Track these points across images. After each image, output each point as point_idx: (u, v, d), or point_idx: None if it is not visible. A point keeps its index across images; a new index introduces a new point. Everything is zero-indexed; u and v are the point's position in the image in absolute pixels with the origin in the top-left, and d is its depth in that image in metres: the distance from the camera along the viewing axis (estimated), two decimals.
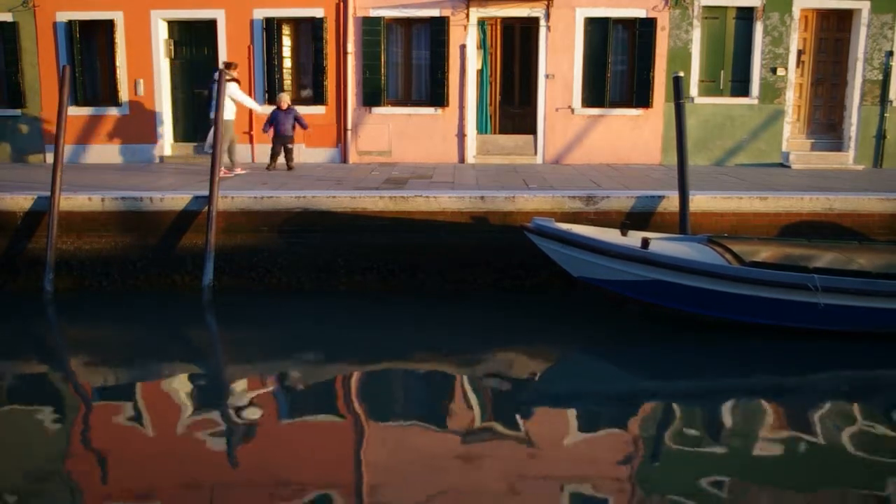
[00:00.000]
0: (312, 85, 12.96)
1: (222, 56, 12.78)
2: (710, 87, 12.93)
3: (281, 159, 11.77)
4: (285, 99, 11.67)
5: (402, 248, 8.72)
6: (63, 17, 12.77)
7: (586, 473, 4.86)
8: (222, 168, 10.95)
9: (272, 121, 11.54)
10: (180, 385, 6.61)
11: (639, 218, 8.70)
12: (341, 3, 12.66)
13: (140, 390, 6.38)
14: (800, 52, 12.96)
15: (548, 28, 12.72)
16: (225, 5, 12.68)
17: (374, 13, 12.69)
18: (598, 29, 12.75)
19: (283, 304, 8.52)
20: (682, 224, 8.44)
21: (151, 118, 13.07)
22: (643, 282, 7.34)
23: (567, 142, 13.05)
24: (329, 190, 9.19)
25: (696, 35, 12.72)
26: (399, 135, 13.02)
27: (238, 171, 11.19)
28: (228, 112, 10.85)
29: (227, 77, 10.67)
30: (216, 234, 8.62)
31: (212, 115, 10.75)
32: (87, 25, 12.89)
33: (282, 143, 11.61)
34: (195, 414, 5.90)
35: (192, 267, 8.74)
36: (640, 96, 12.85)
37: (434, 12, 12.69)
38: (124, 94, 12.99)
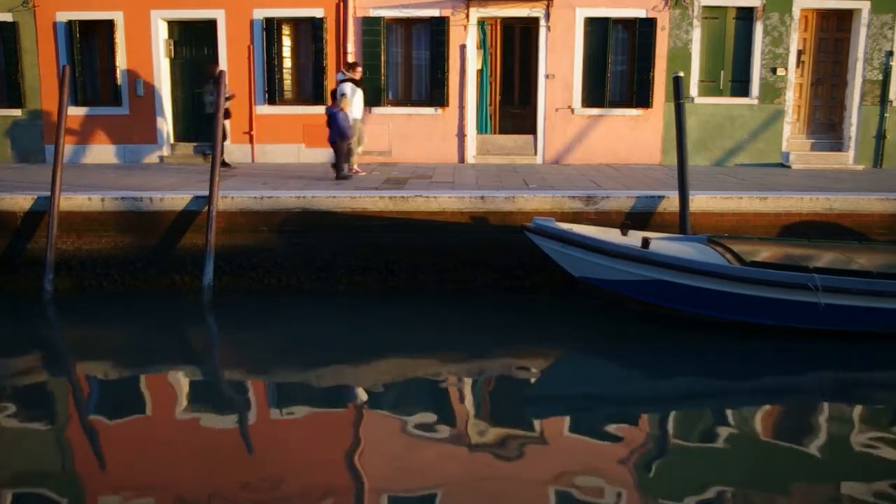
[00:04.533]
0: (313, 85, 12.95)
1: (222, 56, 12.80)
2: (710, 87, 12.93)
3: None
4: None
5: (402, 249, 8.72)
6: (63, 17, 12.77)
7: (585, 473, 4.86)
8: (353, 167, 10.96)
9: (339, 121, 10.56)
10: (180, 385, 6.61)
11: (639, 218, 8.70)
12: (341, 3, 12.66)
13: (139, 391, 6.38)
14: (800, 52, 12.96)
15: (548, 28, 12.72)
16: (225, 5, 12.69)
17: (374, 13, 12.69)
18: (597, 29, 12.75)
19: (283, 304, 8.51)
20: (682, 224, 8.44)
21: (151, 118, 13.06)
22: (643, 282, 7.34)
23: (567, 142, 13.04)
24: (329, 190, 9.19)
25: (696, 35, 12.73)
26: (399, 135, 13.02)
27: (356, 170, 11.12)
28: (356, 111, 10.87)
29: (347, 77, 10.77)
30: (216, 234, 8.62)
31: (351, 119, 10.60)
32: (87, 25, 12.89)
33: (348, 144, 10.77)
34: (195, 414, 5.90)
35: (192, 267, 8.73)
36: (640, 96, 12.85)
37: (434, 12, 12.69)
38: (124, 94, 12.99)
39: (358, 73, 10.95)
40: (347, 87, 10.65)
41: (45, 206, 8.72)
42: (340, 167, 10.59)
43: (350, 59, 12.49)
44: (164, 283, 8.80)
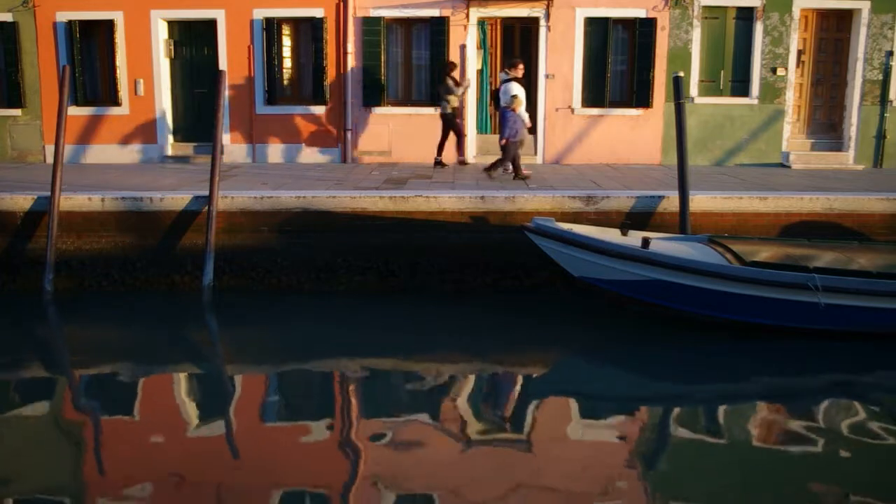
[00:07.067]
0: (313, 85, 12.95)
1: (222, 56, 12.78)
2: (710, 87, 12.93)
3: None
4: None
5: (401, 249, 8.72)
6: (63, 17, 12.76)
7: (585, 474, 4.86)
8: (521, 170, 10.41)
9: (510, 122, 10.34)
10: (180, 385, 6.61)
11: (639, 218, 8.70)
12: (341, 3, 12.65)
13: (140, 390, 6.38)
14: (800, 52, 12.96)
15: (548, 28, 12.72)
16: (225, 5, 12.68)
17: (374, 13, 12.68)
18: (598, 29, 12.75)
19: (283, 304, 8.52)
20: (682, 224, 8.44)
21: (151, 118, 13.06)
22: (643, 282, 7.34)
23: (567, 142, 13.04)
24: (329, 190, 9.20)
25: (696, 35, 12.72)
26: (399, 135, 13.01)
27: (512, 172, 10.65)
28: (523, 112, 10.56)
29: (510, 76, 10.56)
30: (216, 234, 8.62)
31: (515, 124, 10.21)
32: (87, 25, 12.88)
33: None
34: (195, 414, 5.91)
35: (192, 267, 8.73)
36: (640, 96, 12.84)
37: (434, 12, 12.69)
38: (124, 94, 12.98)
39: (520, 71, 10.73)
40: (516, 87, 10.47)
41: (45, 206, 8.72)
42: (517, 166, 10.44)
43: (350, 58, 12.48)
44: (164, 283, 8.80)
